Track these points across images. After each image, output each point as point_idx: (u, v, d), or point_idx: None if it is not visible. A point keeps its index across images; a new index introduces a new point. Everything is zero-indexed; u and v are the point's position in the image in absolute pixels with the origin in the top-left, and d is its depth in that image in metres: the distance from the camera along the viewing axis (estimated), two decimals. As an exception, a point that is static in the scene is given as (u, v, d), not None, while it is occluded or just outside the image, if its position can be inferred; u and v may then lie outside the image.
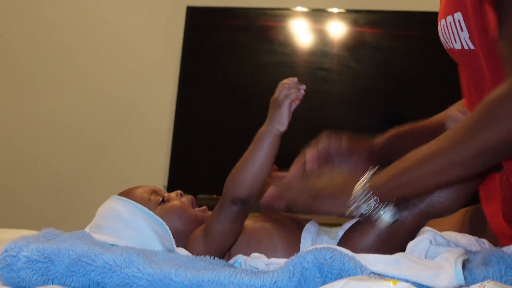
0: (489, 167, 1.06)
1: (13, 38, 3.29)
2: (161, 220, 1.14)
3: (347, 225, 1.14)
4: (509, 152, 1.02)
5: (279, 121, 1.13)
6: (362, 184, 1.10)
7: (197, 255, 1.09)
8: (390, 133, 1.38)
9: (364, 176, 1.12)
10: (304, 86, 1.14)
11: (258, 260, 1.07)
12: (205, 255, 1.07)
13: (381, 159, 1.29)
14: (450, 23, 1.15)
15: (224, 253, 1.14)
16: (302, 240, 1.14)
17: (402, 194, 1.09)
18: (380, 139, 1.38)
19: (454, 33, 1.15)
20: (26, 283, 0.97)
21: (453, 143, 1.03)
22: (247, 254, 1.12)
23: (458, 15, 1.12)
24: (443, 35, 1.20)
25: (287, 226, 1.18)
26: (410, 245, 1.00)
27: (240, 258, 1.11)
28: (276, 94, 1.15)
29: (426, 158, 1.06)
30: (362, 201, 1.09)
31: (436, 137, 1.08)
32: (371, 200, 1.08)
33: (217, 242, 1.12)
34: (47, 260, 0.97)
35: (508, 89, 0.99)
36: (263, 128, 1.14)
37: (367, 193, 1.09)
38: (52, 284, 0.97)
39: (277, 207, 1.21)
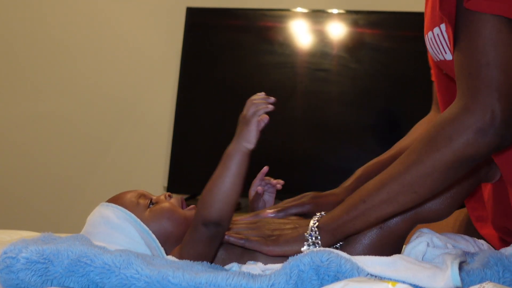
0: (442, 189, 1.06)
1: (13, 38, 3.29)
2: (147, 229, 1.14)
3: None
4: (458, 173, 1.03)
5: (247, 138, 1.09)
6: (311, 224, 1.11)
7: None
8: (357, 174, 1.37)
9: (315, 217, 1.13)
10: (272, 100, 1.13)
11: (253, 267, 1.07)
12: None
13: None
14: (437, 35, 1.15)
15: None
16: None
17: (354, 229, 1.10)
18: (349, 183, 1.36)
19: (443, 44, 1.15)
20: (25, 285, 0.98)
21: (403, 168, 1.04)
22: (240, 263, 1.12)
23: (444, 26, 1.12)
24: (431, 47, 1.21)
25: None
26: (408, 247, 1.00)
27: (234, 266, 1.10)
28: (244, 111, 1.11)
29: (376, 187, 1.06)
30: (312, 241, 1.10)
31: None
32: (318, 240, 1.10)
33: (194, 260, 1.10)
34: (46, 261, 0.98)
35: (455, 110, 1.01)
36: (230, 147, 1.10)
37: (316, 233, 1.10)
38: (51, 285, 0.97)
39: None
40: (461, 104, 1.01)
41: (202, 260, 1.10)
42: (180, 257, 1.10)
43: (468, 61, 1.01)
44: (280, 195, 3.11)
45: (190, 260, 1.08)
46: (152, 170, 3.17)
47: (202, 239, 1.08)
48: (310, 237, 1.10)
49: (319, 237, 1.10)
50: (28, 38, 3.28)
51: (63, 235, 1.17)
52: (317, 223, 1.12)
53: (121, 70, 3.24)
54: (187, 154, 3.06)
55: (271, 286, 0.87)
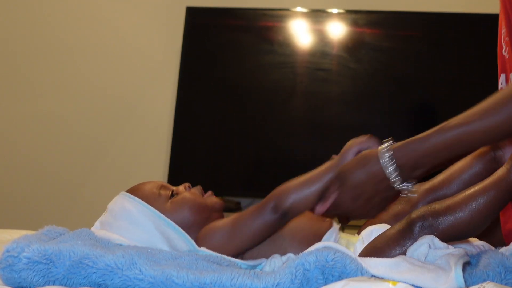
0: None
1: (13, 39, 3.29)
2: (172, 223, 1.14)
3: (366, 237, 1.13)
4: None
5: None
6: (384, 146, 1.08)
7: (214, 248, 1.09)
8: None
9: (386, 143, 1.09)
10: None
11: (275, 260, 1.08)
12: (222, 250, 1.08)
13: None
14: None
15: (240, 254, 1.13)
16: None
17: (423, 161, 1.05)
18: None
19: None
20: (27, 284, 0.97)
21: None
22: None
23: None
24: None
25: (306, 233, 1.17)
26: (410, 250, 1.00)
27: (263, 261, 1.11)
28: None
29: (489, 108, 1.02)
30: (387, 163, 1.05)
31: None
32: (392, 163, 1.05)
33: (243, 238, 1.11)
34: (48, 262, 0.97)
35: None
36: (503, 172, 1.04)
37: (390, 156, 1.06)
38: (54, 285, 0.97)
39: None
40: None
41: (255, 239, 1.10)
42: (235, 226, 1.11)
43: None
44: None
45: (245, 234, 1.09)
46: (152, 169, 3.17)
47: (266, 220, 1.08)
48: (384, 159, 1.05)
49: (390, 162, 1.05)
50: (28, 38, 3.28)
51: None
52: (389, 146, 1.07)
53: (121, 69, 3.24)
54: (187, 154, 3.06)
55: (276, 285, 0.87)
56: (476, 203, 1.01)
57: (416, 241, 1.01)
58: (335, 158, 1.14)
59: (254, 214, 1.11)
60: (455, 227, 1.01)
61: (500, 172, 1.03)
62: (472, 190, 1.03)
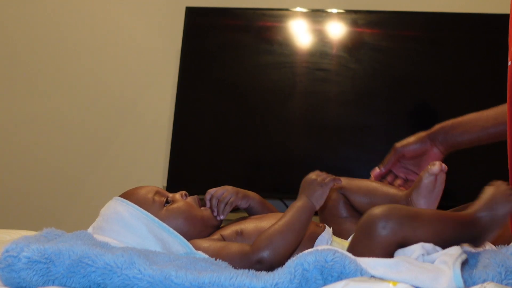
0: None
1: (13, 37, 3.29)
2: (167, 226, 1.12)
3: None
4: None
5: (318, 200, 1.17)
6: None
7: None
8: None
9: None
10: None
11: None
12: None
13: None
14: None
15: None
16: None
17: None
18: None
19: None
20: (27, 284, 0.97)
21: None
22: None
23: None
24: None
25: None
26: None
27: None
28: (315, 176, 1.22)
29: None
30: None
31: None
32: None
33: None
34: (47, 261, 0.97)
35: None
36: (301, 203, 1.16)
37: None
38: (53, 285, 0.97)
39: None
40: None
41: None
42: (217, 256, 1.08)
43: None
44: (279, 195, 3.10)
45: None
46: (152, 169, 3.17)
47: (245, 266, 1.05)
48: None
49: None
50: (28, 37, 3.28)
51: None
52: None
53: (120, 69, 3.24)
54: (186, 154, 3.06)
55: (275, 285, 0.87)
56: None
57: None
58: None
59: (238, 261, 1.08)
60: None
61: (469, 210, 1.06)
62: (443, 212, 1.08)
